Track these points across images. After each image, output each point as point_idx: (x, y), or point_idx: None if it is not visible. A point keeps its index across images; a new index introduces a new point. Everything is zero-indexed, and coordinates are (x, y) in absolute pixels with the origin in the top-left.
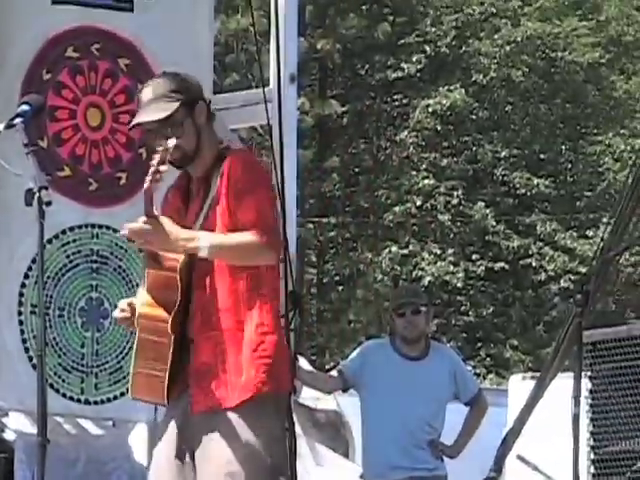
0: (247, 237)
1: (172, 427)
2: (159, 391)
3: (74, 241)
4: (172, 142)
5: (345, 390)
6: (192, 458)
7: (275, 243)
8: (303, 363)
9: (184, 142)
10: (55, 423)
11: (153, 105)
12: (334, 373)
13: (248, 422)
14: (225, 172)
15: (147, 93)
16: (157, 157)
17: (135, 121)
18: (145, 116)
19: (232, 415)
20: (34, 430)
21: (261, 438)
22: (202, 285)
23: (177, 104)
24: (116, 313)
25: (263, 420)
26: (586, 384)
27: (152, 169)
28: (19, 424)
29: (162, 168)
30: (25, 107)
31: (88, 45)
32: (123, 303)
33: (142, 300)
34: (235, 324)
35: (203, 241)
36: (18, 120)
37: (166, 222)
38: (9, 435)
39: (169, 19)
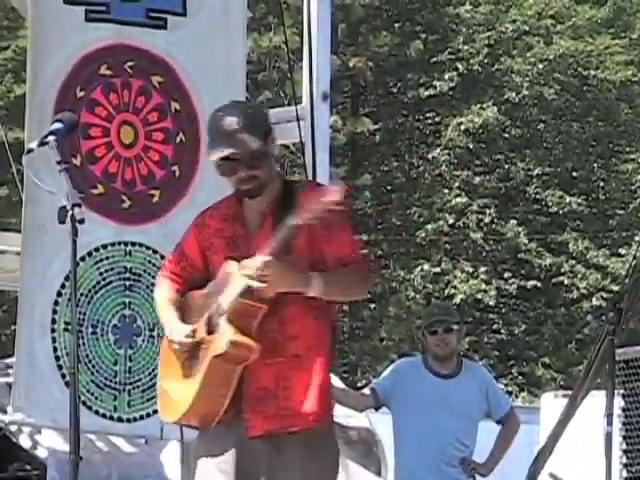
0: (350, 275)
1: (229, 454)
2: (212, 416)
3: (107, 258)
4: (342, 189)
5: (377, 408)
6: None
7: (370, 280)
8: (335, 381)
9: (262, 172)
10: (87, 440)
11: (240, 135)
12: (366, 391)
13: (313, 448)
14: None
15: (231, 122)
16: (329, 202)
17: (225, 153)
18: (235, 147)
19: (296, 440)
20: (66, 447)
21: (319, 467)
22: (268, 311)
23: (262, 135)
24: (181, 338)
25: (324, 450)
26: (619, 402)
27: (316, 213)
28: (51, 441)
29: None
30: (58, 125)
31: (121, 63)
32: (188, 329)
33: (230, 329)
34: (303, 352)
35: (316, 282)
36: (51, 138)
37: (285, 264)
38: (41, 452)
39: (202, 37)
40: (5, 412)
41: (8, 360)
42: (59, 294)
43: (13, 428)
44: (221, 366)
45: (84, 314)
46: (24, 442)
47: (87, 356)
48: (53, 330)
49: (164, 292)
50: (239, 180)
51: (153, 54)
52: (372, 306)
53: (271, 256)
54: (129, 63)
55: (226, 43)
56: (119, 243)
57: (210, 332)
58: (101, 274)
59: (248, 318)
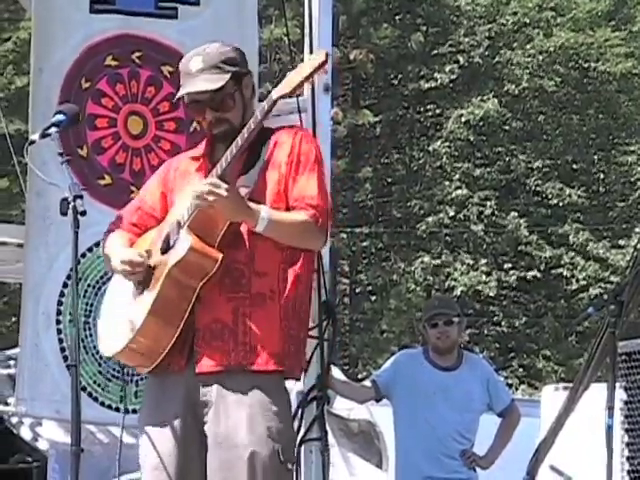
0: (303, 217)
1: (177, 401)
2: (164, 341)
3: None
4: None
5: (378, 400)
6: (196, 424)
7: (328, 228)
8: (336, 373)
9: (232, 116)
10: (88, 432)
11: (204, 75)
12: (367, 383)
13: (272, 392)
14: (287, 142)
15: (197, 63)
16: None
17: (184, 91)
18: (196, 86)
19: (255, 379)
20: (67, 439)
21: (282, 413)
22: (236, 244)
23: (228, 75)
24: (133, 256)
25: (283, 396)
26: (621, 395)
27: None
28: (52, 433)
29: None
30: (60, 117)
31: (128, 53)
32: (136, 254)
33: (190, 236)
34: (268, 292)
35: (263, 216)
36: (53, 129)
37: (232, 189)
38: (42, 444)
39: (215, 26)
40: (6, 404)
41: (9, 352)
42: (65, 285)
43: (14, 420)
44: (179, 278)
45: (92, 305)
46: (25, 434)
47: (94, 347)
48: (59, 322)
49: (116, 239)
50: (208, 123)
51: (163, 44)
52: (373, 298)
53: (217, 177)
54: (137, 53)
55: (239, 33)
56: None
57: (166, 252)
58: None
59: (211, 228)
